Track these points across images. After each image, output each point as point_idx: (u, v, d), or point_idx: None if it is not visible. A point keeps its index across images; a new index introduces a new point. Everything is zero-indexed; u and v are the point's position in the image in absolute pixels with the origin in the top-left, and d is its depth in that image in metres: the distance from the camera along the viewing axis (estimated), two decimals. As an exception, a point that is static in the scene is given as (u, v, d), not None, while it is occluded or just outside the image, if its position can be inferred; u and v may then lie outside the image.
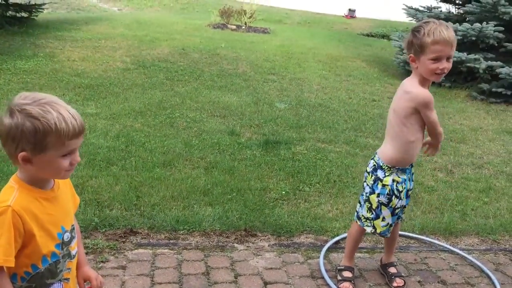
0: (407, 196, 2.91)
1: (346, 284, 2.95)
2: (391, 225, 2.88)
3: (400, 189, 2.82)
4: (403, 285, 3.00)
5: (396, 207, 2.84)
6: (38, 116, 1.43)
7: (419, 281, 3.12)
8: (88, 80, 6.78)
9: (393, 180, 2.80)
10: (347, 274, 3.01)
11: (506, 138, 6.26)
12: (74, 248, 1.68)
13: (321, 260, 3.12)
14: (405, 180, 2.83)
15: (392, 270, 3.09)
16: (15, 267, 1.51)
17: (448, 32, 2.58)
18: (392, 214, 2.85)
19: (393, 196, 2.81)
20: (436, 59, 2.59)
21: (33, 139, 1.44)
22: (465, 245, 3.64)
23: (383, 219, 2.85)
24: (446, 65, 2.60)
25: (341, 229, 3.58)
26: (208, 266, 3.06)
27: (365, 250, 3.43)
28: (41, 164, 1.49)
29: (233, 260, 3.15)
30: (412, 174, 2.93)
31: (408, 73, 9.23)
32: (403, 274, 3.09)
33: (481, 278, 3.22)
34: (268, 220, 3.60)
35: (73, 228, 1.69)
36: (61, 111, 1.47)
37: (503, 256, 3.55)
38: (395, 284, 3.00)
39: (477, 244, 3.68)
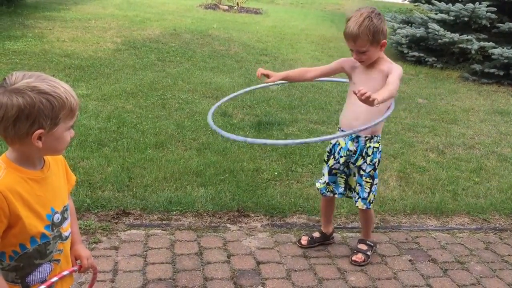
0: (359, 174, 2.95)
1: (304, 238, 3.20)
2: (328, 184, 3.05)
3: (342, 154, 2.95)
4: (360, 261, 3.03)
5: (333, 167, 3.00)
6: (50, 92, 1.45)
7: (410, 260, 3.16)
8: (78, 61, 6.70)
9: (338, 142, 2.97)
10: (315, 234, 3.23)
11: (497, 118, 6.29)
12: (66, 229, 1.66)
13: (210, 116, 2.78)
14: (348, 149, 2.92)
15: (360, 246, 3.13)
16: (3, 246, 1.50)
17: (353, 27, 2.66)
18: (329, 173, 3.03)
19: (332, 156, 3.01)
20: (350, 49, 2.79)
21: (51, 114, 1.46)
22: (456, 224, 3.68)
23: (322, 176, 3.08)
24: (357, 57, 2.76)
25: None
26: (201, 246, 3.07)
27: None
28: (51, 140, 1.50)
29: (226, 241, 3.16)
30: (364, 154, 2.91)
31: (400, 53, 9.24)
32: (368, 253, 3.08)
33: (471, 256, 3.26)
34: (261, 201, 3.61)
35: (66, 209, 1.66)
36: (63, 85, 1.50)
37: (493, 235, 3.59)
38: (353, 258, 3.06)
39: (467, 223, 3.72)
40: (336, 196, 3.11)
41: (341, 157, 2.96)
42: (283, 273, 2.89)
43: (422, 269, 3.06)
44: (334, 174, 3.03)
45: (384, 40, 2.75)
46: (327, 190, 3.08)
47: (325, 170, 3.05)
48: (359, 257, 3.05)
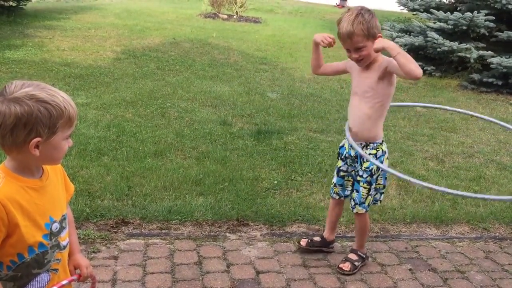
0: (356, 180, 2.97)
1: (304, 239, 3.22)
2: (335, 185, 3.12)
3: (346, 156, 3.02)
4: (346, 270, 3.02)
5: (341, 168, 3.07)
6: (49, 100, 1.46)
7: (410, 269, 3.15)
8: (78, 70, 6.71)
9: (344, 145, 3.06)
10: (316, 238, 3.25)
11: (496, 127, 6.29)
12: (64, 239, 1.65)
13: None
14: (350, 154, 2.99)
15: (350, 255, 3.11)
16: (0, 255, 1.50)
17: (347, 26, 2.68)
18: (337, 174, 3.10)
19: (339, 158, 3.09)
20: (346, 50, 2.79)
21: (48, 123, 1.46)
22: (456, 233, 3.67)
23: (333, 177, 3.14)
24: (354, 55, 2.77)
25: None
26: (200, 255, 3.06)
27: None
28: (48, 149, 1.50)
29: (225, 250, 3.15)
30: (361, 160, 2.93)
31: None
32: (355, 264, 3.06)
33: (471, 266, 3.25)
34: (260, 210, 3.60)
35: (64, 218, 1.66)
36: (62, 94, 1.51)
37: (493, 244, 3.58)
38: (340, 265, 3.05)
39: (467, 232, 3.71)
40: (342, 199, 3.14)
41: (347, 158, 3.02)
42: (282, 282, 2.88)
43: (422, 278, 3.05)
44: (342, 176, 3.07)
45: (379, 34, 2.75)
46: (333, 191, 3.13)
47: (335, 171, 3.12)
48: (346, 265, 3.04)
